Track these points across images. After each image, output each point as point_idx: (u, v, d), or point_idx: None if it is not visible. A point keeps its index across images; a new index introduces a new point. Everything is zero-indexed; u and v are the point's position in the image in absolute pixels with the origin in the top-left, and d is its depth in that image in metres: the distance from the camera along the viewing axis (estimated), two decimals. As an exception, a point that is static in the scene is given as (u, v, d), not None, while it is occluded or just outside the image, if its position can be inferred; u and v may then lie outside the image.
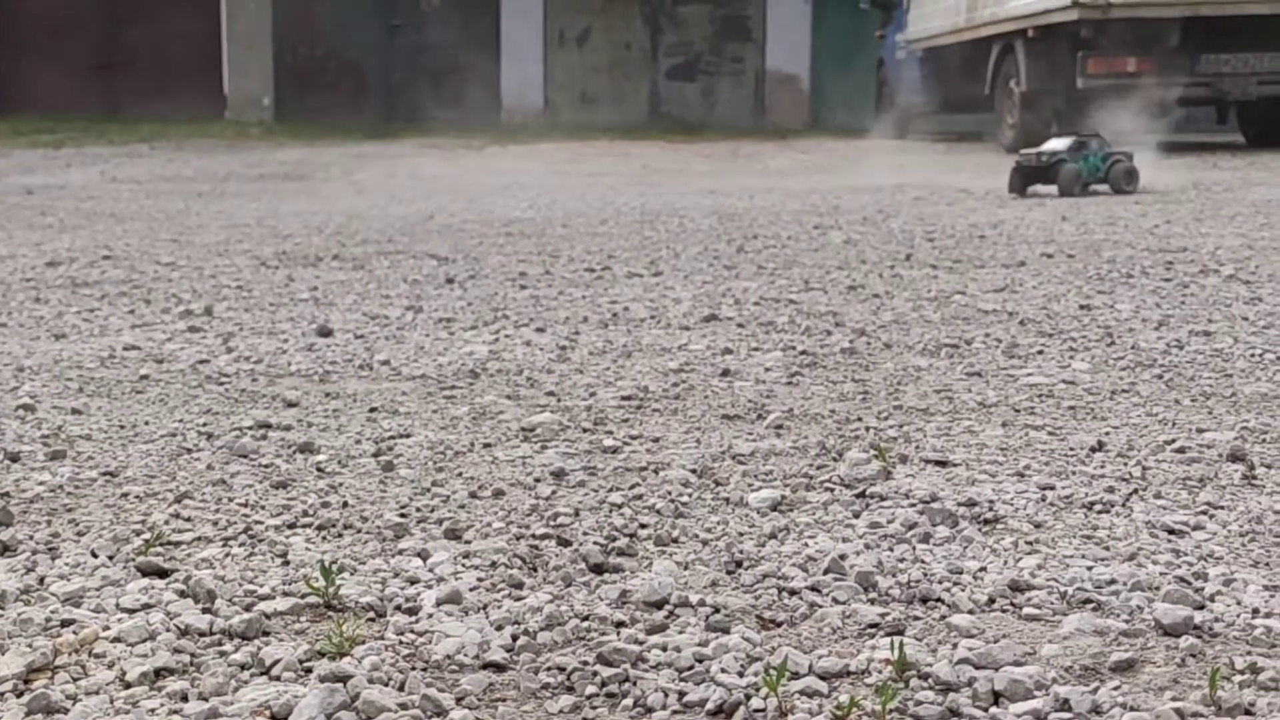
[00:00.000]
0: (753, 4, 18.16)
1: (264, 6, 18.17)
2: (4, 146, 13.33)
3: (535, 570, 1.79)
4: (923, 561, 1.80)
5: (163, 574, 1.76)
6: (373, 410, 2.76)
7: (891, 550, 1.85)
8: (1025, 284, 4.46)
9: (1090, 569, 1.76)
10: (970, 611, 1.63)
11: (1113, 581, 1.71)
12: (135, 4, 18.24)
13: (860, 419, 2.64)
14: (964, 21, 13.04)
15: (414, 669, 1.47)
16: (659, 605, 1.65)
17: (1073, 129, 9.12)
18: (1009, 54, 12.01)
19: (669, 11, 18.18)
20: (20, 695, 1.40)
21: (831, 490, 2.15)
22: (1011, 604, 1.66)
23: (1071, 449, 2.39)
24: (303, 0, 18.15)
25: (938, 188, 8.79)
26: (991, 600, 1.67)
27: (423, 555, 1.84)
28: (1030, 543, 1.88)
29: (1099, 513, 2.02)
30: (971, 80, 13.08)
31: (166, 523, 1.98)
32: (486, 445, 2.47)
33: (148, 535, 1.90)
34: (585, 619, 1.61)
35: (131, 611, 1.62)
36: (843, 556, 1.80)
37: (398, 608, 1.65)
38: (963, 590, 1.70)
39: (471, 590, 1.70)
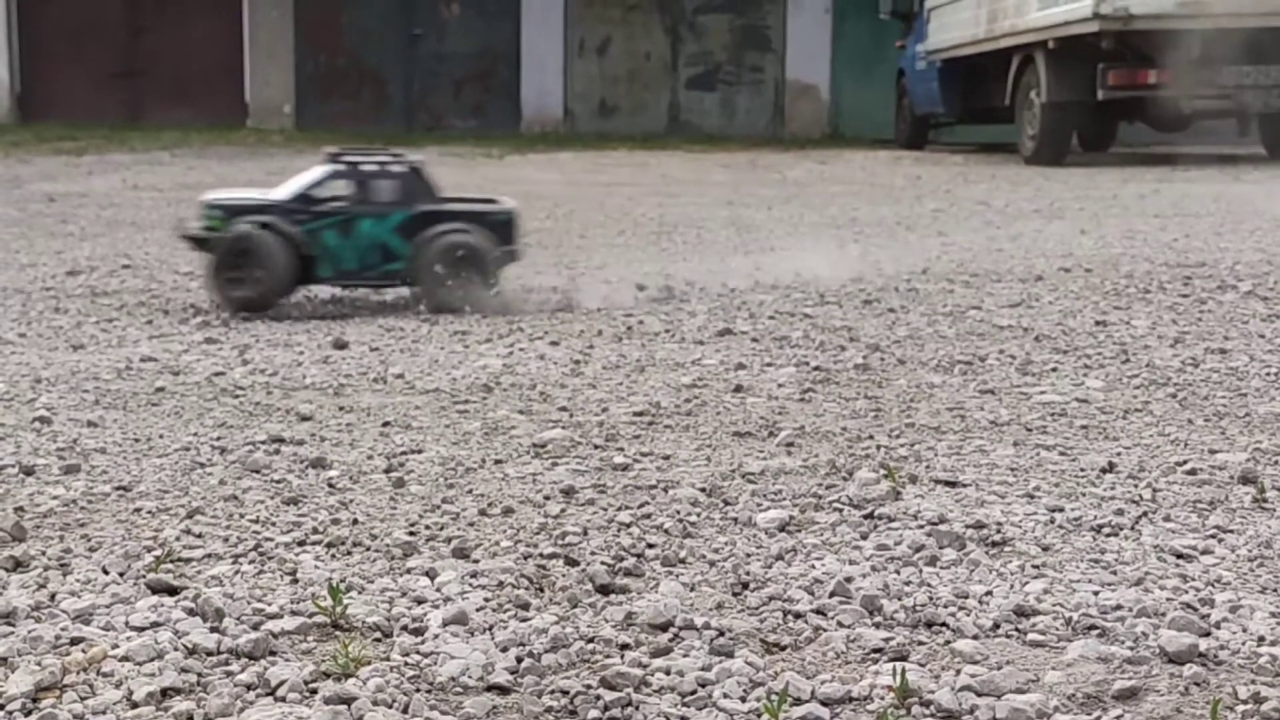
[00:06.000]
0: (773, 14, 18.18)
1: (286, 15, 18.27)
2: (27, 153, 13.43)
3: (542, 591, 1.80)
4: (929, 585, 1.80)
5: (172, 591, 1.78)
6: (386, 425, 2.77)
7: (898, 573, 1.85)
8: (1042, 299, 4.45)
9: (1097, 594, 1.76)
10: (974, 637, 1.63)
11: (1119, 607, 1.71)
12: (157, 11, 18.36)
13: (872, 437, 2.64)
14: (984, 32, 13.01)
15: (418, 691, 1.48)
16: (664, 628, 1.66)
17: (356, 147, 4.75)
18: (1029, 65, 11.98)
19: (689, 21, 18.21)
20: (29, 714, 1.41)
21: (840, 511, 2.15)
22: (1016, 629, 1.66)
23: (1082, 470, 2.38)
24: (325, 9, 18.25)
25: (956, 199, 8.78)
26: (996, 625, 1.67)
27: (430, 574, 1.85)
28: (1037, 566, 1.88)
29: (1107, 536, 2.01)
30: (991, 91, 13.05)
31: (177, 539, 2.00)
32: (498, 461, 2.48)
33: (159, 552, 1.92)
34: (590, 641, 1.61)
35: (140, 630, 1.64)
36: (849, 579, 1.80)
37: (404, 628, 1.66)
38: (968, 615, 1.70)
39: (478, 611, 1.71)
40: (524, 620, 1.68)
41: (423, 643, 1.61)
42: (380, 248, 4.30)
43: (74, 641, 1.60)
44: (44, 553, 1.93)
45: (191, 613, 1.69)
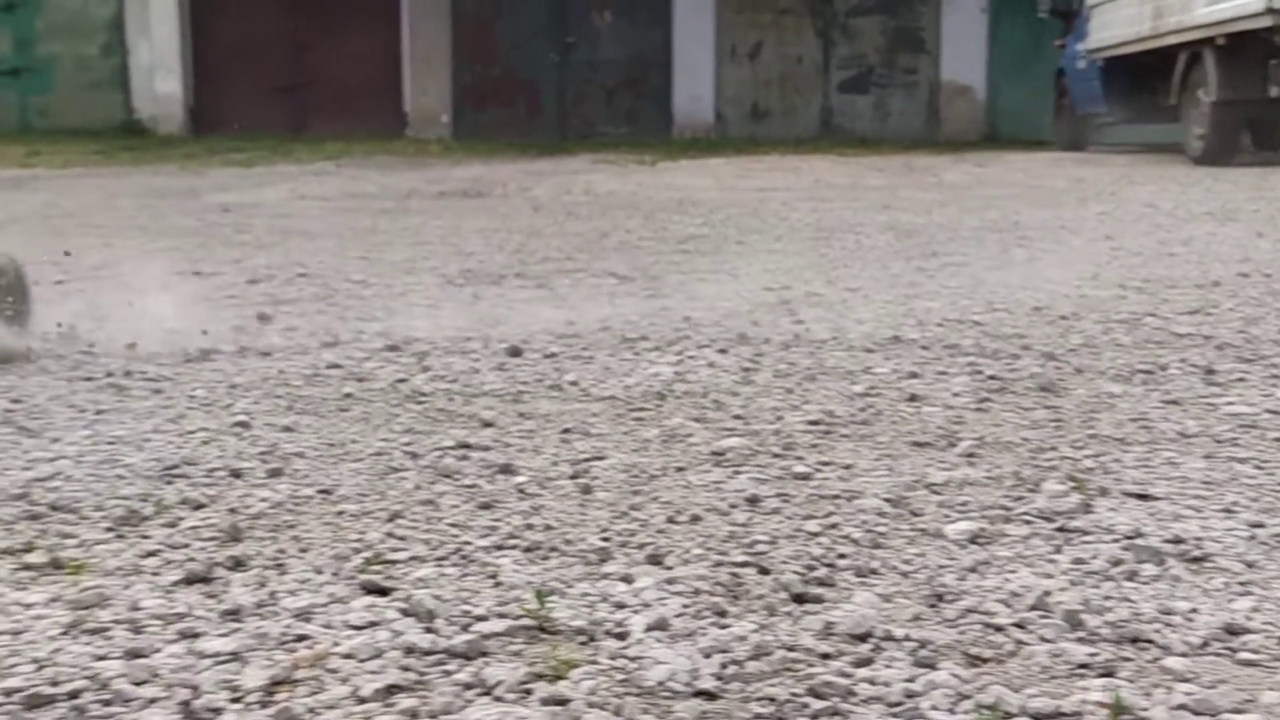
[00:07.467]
0: (926, 15, 17.96)
1: (444, 26, 18.70)
2: (200, 166, 13.99)
3: (737, 598, 1.83)
4: (1130, 600, 1.78)
5: (384, 592, 1.85)
6: (566, 431, 2.83)
7: (1097, 588, 1.83)
8: (1221, 305, 4.33)
9: (1308, 613, 1.72)
10: (1184, 654, 1.61)
11: (1333, 627, 1.67)
12: (320, 27, 18.96)
13: (1055, 448, 2.61)
14: (1149, 30, 12.67)
15: (629, 694, 1.52)
16: (863, 638, 1.67)
17: None
18: (1197, 62, 11.63)
19: (841, 24, 18.10)
20: (265, 707, 1.49)
21: (1030, 523, 2.13)
22: (1227, 648, 1.63)
23: (1280, 484, 2.32)
24: (480, 19, 18.63)
25: (1122, 201, 8.57)
26: (1205, 643, 1.64)
27: (627, 580, 1.89)
28: (1243, 583, 1.84)
29: (1314, 553, 1.96)
30: (1156, 90, 12.70)
31: (382, 541, 2.08)
32: (679, 469, 2.51)
33: (367, 554, 2.00)
34: (791, 650, 1.64)
35: (359, 629, 1.71)
36: (1047, 593, 1.79)
37: (607, 632, 1.71)
38: (1174, 632, 1.67)
39: (677, 617, 1.74)
40: (723, 627, 1.71)
41: (627, 647, 1.65)
42: None
43: (298, 639, 1.68)
44: (260, 553, 2.03)
45: (405, 613, 1.75)
